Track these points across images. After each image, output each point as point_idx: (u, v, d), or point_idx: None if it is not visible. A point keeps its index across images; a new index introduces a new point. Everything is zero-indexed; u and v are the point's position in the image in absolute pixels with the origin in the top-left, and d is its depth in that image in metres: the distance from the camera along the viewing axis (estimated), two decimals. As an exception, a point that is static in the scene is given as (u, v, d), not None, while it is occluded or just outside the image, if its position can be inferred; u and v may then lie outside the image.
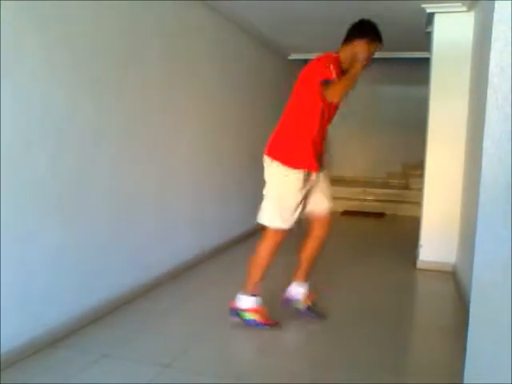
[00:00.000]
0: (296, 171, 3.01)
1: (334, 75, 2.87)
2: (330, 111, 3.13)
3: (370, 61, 3.10)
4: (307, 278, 3.36)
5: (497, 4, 1.48)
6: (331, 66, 2.90)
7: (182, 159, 4.32)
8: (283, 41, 6.24)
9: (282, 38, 6.10)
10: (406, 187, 8.60)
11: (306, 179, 3.07)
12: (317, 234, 3.31)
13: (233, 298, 3.14)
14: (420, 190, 4.95)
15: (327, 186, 3.27)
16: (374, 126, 9.60)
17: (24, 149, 2.59)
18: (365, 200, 8.20)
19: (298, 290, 3.34)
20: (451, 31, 4.47)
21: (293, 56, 6.97)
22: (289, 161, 3.02)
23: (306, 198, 3.15)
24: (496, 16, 1.48)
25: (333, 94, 2.85)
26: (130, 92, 3.49)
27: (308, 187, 3.12)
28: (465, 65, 4.39)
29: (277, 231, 3.09)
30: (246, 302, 3.10)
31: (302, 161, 3.04)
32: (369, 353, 2.89)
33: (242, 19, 5.08)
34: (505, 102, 1.41)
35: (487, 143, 1.52)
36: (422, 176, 4.86)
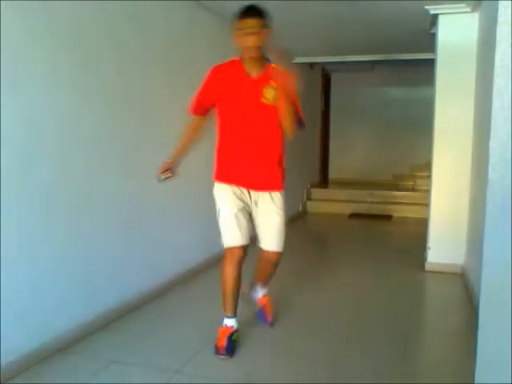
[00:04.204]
0: (222, 185, 2.87)
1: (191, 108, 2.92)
2: (260, 121, 2.82)
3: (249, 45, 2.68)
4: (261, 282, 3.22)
5: (500, 4, 1.48)
6: (200, 89, 2.89)
7: (191, 166, 4.32)
8: (287, 45, 6.23)
9: (286, 42, 6.09)
10: (413, 189, 8.59)
11: (240, 197, 2.86)
12: (262, 260, 3.08)
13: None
14: (427, 191, 4.94)
15: (271, 222, 2.91)
16: (381, 127, 9.60)
17: (31, 159, 2.61)
18: (372, 202, 8.18)
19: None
20: (455, 32, 4.47)
21: (297, 60, 6.97)
22: (216, 175, 2.90)
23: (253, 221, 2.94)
24: (500, 17, 1.49)
25: None
26: (135, 100, 3.51)
27: (249, 208, 2.90)
28: (470, 65, 4.38)
29: (226, 250, 2.88)
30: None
31: (226, 175, 2.86)
32: (379, 354, 2.88)
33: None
34: (510, 103, 1.41)
35: (493, 144, 1.52)
36: (429, 177, 4.84)
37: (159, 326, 3.25)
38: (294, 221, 7.32)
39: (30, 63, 2.59)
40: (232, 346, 2.81)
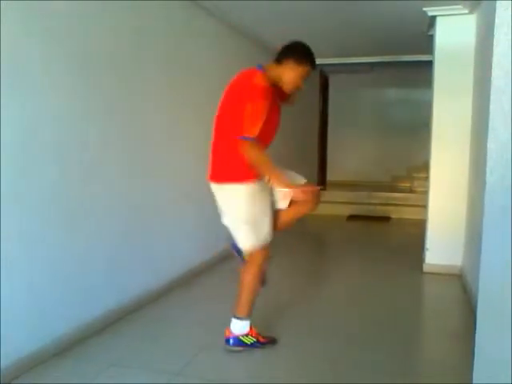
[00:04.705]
0: (252, 184, 2.77)
1: (255, 132, 2.62)
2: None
3: (300, 86, 2.91)
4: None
5: (498, 5, 1.48)
6: (259, 116, 2.64)
7: (190, 167, 4.32)
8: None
9: (283, 44, 6.10)
10: (411, 190, 8.59)
11: (264, 188, 2.82)
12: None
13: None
14: (425, 193, 4.95)
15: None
16: (378, 129, 9.61)
17: (31, 159, 2.61)
18: (370, 204, 8.18)
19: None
20: (453, 34, 4.48)
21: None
22: (244, 176, 2.76)
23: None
24: (497, 18, 1.49)
25: (249, 156, 2.65)
26: (134, 100, 3.51)
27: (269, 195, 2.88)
28: (468, 67, 4.39)
29: (258, 252, 2.85)
30: (242, 327, 2.88)
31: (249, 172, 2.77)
32: (378, 355, 2.89)
33: (243, 23, 5.09)
34: (509, 104, 1.41)
35: (491, 145, 1.52)
36: (427, 179, 4.85)
37: (158, 329, 3.25)
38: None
39: (30, 63, 2.59)
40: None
